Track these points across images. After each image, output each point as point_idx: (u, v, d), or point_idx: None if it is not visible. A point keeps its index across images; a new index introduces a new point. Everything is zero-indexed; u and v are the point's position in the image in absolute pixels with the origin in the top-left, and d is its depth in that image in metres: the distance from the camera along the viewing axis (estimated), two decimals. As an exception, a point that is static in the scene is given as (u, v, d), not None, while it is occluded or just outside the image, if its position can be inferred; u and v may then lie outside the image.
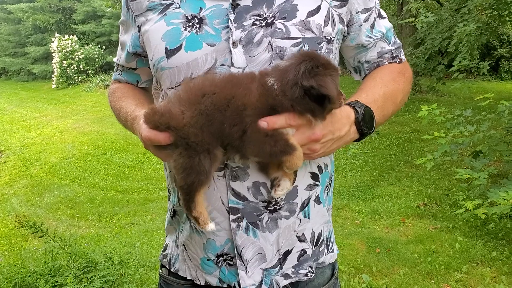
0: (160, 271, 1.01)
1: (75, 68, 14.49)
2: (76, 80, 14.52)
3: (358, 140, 0.84)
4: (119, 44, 1.02)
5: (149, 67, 0.93)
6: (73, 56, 14.50)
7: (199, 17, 0.82)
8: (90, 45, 15.29)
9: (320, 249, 0.92)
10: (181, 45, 0.81)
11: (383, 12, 0.96)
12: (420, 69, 6.57)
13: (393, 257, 3.17)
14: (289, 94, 0.70)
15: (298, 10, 0.82)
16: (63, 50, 14.54)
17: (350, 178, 5.37)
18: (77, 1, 16.28)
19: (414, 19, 5.66)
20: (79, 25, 16.00)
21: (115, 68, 1.07)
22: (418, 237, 3.57)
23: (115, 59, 1.05)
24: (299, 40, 0.80)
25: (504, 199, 3.06)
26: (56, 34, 15.03)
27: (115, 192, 6.02)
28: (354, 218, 4.19)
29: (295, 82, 0.69)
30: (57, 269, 2.27)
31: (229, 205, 0.83)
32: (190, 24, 0.82)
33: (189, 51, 0.80)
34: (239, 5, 0.81)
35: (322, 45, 0.83)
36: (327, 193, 0.92)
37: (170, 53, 0.82)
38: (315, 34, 0.82)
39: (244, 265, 0.85)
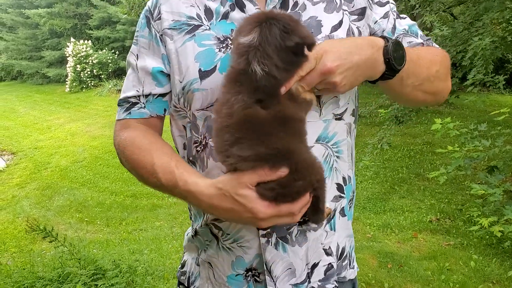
0: None
1: (89, 73, 14.66)
2: (89, 84, 14.68)
3: (384, 78, 0.79)
4: (135, 74, 0.89)
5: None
6: (87, 61, 14.67)
7: (231, 38, 0.82)
8: (104, 50, 15.48)
9: (344, 263, 0.92)
10: (216, 66, 0.81)
11: (403, 15, 0.95)
12: (433, 81, 6.48)
13: (406, 274, 3.10)
14: (278, 62, 0.67)
15: (322, 26, 0.83)
16: (78, 55, 14.73)
17: (361, 190, 5.29)
18: (93, 7, 16.54)
19: (428, 32, 5.62)
20: (94, 30, 16.23)
21: (127, 105, 0.90)
22: (431, 253, 3.49)
23: (126, 95, 0.89)
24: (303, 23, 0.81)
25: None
26: (72, 39, 15.27)
27: (124, 197, 6.03)
28: (365, 231, 4.12)
29: (280, 48, 0.67)
30: (66, 275, 2.25)
31: None
32: (224, 45, 0.82)
33: (223, 73, 0.78)
34: None
35: None
36: (350, 207, 0.92)
37: (204, 74, 0.81)
38: None
39: (274, 281, 0.84)
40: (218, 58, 0.81)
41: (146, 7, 0.90)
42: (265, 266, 0.84)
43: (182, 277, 0.98)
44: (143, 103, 0.89)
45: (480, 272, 3.10)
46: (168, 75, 0.87)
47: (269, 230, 0.82)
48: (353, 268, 0.95)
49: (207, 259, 0.91)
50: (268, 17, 0.69)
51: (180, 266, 1.01)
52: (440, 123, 3.74)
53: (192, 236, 0.94)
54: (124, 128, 0.90)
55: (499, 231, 3.13)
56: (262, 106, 0.68)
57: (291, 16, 0.71)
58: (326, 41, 0.77)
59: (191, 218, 0.97)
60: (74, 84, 14.79)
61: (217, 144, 0.73)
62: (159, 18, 0.87)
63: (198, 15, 0.85)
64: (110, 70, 15.02)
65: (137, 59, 0.90)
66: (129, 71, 0.92)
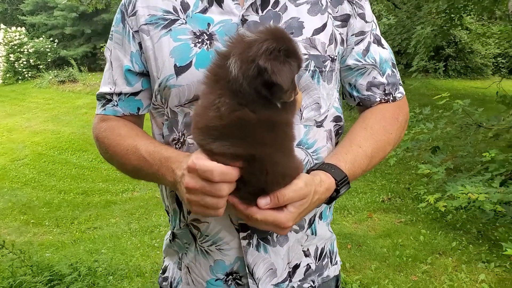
0: None
1: (25, 63, 13.50)
2: (26, 76, 13.55)
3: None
4: (110, 71, 0.88)
5: (150, 87, 0.87)
6: (21, 50, 13.48)
7: (208, 33, 0.79)
8: (41, 38, 14.32)
9: (324, 263, 0.92)
10: (191, 62, 0.78)
11: (384, 42, 0.92)
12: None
13: (364, 252, 3.26)
14: (244, 69, 0.65)
15: (304, 28, 0.81)
16: (10, 43, 13.51)
17: (316, 174, 5.46)
18: (25, -9, 15.22)
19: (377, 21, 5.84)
20: (28, 16, 14.94)
21: (103, 101, 0.89)
22: (385, 231, 3.70)
23: (102, 91, 0.89)
24: (305, 57, 0.79)
25: (462, 193, 3.25)
26: (2, 26, 13.96)
27: (74, 194, 5.71)
28: (323, 214, 4.27)
29: (252, 59, 0.64)
30: (19, 285, 2.09)
31: (239, 222, 0.80)
32: (200, 40, 0.79)
33: (200, 69, 0.77)
34: (247, 20, 0.79)
35: (326, 63, 0.82)
36: (330, 208, 0.92)
37: (179, 70, 0.78)
38: (319, 52, 0.81)
39: (256, 283, 0.83)
40: (193, 53, 0.78)
41: (122, 2, 0.86)
42: (247, 269, 0.82)
43: (164, 283, 0.94)
44: (116, 101, 0.88)
45: (428, 245, 3.35)
46: (138, 74, 0.85)
47: (249, 231, 0.80)
48: (336, 264, 0.96)
49: (187, 264, 0.88)
50: (276, 33, 0.67)
51: (161, 272, 0.97)
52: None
53: (170, 240, 0.91)
54: (103, 120, 0.89)
55: (443, 206, 3.40)
56: (250, 109, 0.66)
57: (298, 55, 0.68)
58: (307, 182, 0.73)
59: (170, 221, 0.94)
60: (8, 75, 13.59)
61: (199, 139, 0.70)
62: (134, 14, 0.83)
63: (174, 8, 0.82)
64: (49, 60, 13.95)
65: (111, 55, 0.88)
66: (106, 66, 0.90)
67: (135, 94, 0.87)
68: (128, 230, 4.29)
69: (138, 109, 0.89)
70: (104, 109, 0.89)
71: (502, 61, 11.54)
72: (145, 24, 0.82)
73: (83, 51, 14.34)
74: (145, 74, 0.87)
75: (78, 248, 3.70)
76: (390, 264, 3.08)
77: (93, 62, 14.41)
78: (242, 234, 0.80)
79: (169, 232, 0.93)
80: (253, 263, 0.82)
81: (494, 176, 3.92)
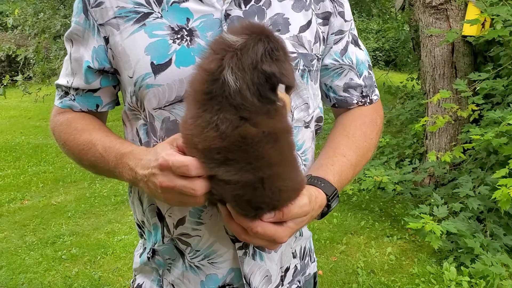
0: None
1: None
2: None
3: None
4: (69, 62, 0.82)
5: (114, 86, 0.82)
6: None
7: (187, 28, 0.73)
8: None
9: (305, 261, 0.93)
10: (171, 59, 0.72)
11: (360, 43, 0.92)
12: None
13: (287, 240, 3.40)
14: (248, 78, 0.59)
15: (290, 24, 0.77)
16: None
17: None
18: None
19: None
20: None
21: (61, 93, 0.85)
22: (302, 217, 3.91)
23: (59, 82, 0.84)
24: (294, 55, 0.76)
25: (368, 176, 3.61)
26: None
27: None
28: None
29: (254, 66, 0.59)
30: None
31: None
32: (179, 36, 0.73)
33: (181, 67, 0.72)
34: (230, 15, 0.73)
35: (314, 62, 0.80)
36: None
37: (158, 68, 0.72)
38: (307, 50, 0.78)
39: None
40: (172, 50, 0.72)
41: None
42: (244, 279, 0.80)
43: None
44: (73, 95, 0.83)
45: (342, 227, 3.65)
46: (97, 71, 0.79)
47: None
48: (314, 261, 0.97)
49: (172, 281, 0.83)
50: (262, 32, 0.61)
51: None
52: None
53: (149, 258, 0.84)
54: (60, 113, 0.85)
55: (350, 189, 3.73)
56: (251, 123, 0.59)
57: (286, 47, 0.63)
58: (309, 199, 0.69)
59: (142, 236, 0.86)
60: None
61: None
62: (99, 5, 0.75)
63: (147, 0, 0.74)
64: None
65: (72, 46, 0.81)
66: (66, 57, 0.84)
67: (94, 91, 0.82)
68: (23, 244, 3.71)
69: (97, 106, 0.84)
70: (61, 101, 0.84)
71: (380, 54, 13.09)
72: (114, 18, 0.74)
73: None
74: (105, 72, 0.78)
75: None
76: (312, 248, 3.27)
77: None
78: (238, 244, 0.78)
79: (146, 249, 0.84)
80: (250, 273, 0.79)
81: (389, 159, 4.45)
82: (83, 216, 4.17)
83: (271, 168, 0.61)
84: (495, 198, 2.22)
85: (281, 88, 0.63)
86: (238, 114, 0.59)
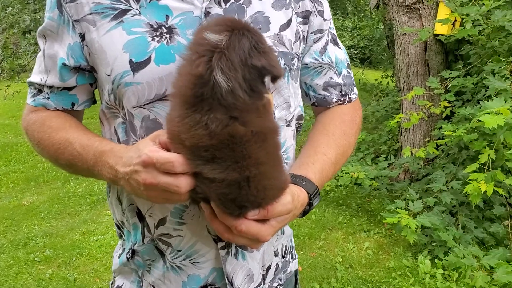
0: None
1: None
2: None
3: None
4: (42, 59, 0.79)
5: (91, 84, 0.80)
6: None
7: (167, 26, 0.72)
8: None
9: (287, 259, 0.93)
10: (150, 57, 0.70)
11: (339, 42, 0.93)
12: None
13: (267, 237, 3.41)
14: (240, 76, 0.58)
15: (271, 23, 0.77)
16: None
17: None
18: None
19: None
20: None
21: (34, 91, 0.82)
22: (281, 214, 3.93)
23: (32, 79, 0.81)
24: (276, 54, 0.75)
25: (346, 173, 3.67)
26: None
27: None
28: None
29: (244, 63, 0.58)
30: None
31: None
32: (158, 33, 0.71)
33: (161, 65, 0.70)
34: (210, 13, 0.72)
35: (294, 61, 0.80)
36: None
37: (136, 66, 0.70)
38: (287, 49, 0.78)
39: None
40: (152, 47, 0.70)
41: None
42: (226, 279, 0.79)
43: None
44: (47, 93, 0.80)
45: (320, 222, 3.70)
46: (72, 69, 0.77)
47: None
48: (295, 258, 0.97)
49: (153, 282, 0.82)
50: (243, 26, 0.60)
51: None
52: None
53: (128, 258, 0.82)
54: (32, 111, 0.82)
55: (328, 185, 3.79)
56: (240, 122, 0.59)
57: (264, 37, 0.63)
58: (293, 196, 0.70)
59: (121, 236, 0.84)
60: None
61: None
62: (73, 0, 0.73)
63: None
64: None
65: (46, 42, 0.78)
66: (39, 53, 0.81)
67: (69, 89, 0.80)
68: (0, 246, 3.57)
69: (73, 104, 0.81)
70: (34, 100, 0.81)
71: (355, 52, 13.32)
72: (90, 14, 0.72)
73: None
74: (81, 69, 0.76)
75: None
76: (292, 244, 3.30)
77: None
78: (220, 244, 0.78)
79: (125, 249, 0.83)
80: (232, 272, 0.80)
81: (365, 155, 4.53)
82: (56, 217, 4.05)
83: (257, 167, 0.61)
84: (466, 192, 2.30)
85: (267, 79, 0.63)
86: (229, 114, 0.58)
